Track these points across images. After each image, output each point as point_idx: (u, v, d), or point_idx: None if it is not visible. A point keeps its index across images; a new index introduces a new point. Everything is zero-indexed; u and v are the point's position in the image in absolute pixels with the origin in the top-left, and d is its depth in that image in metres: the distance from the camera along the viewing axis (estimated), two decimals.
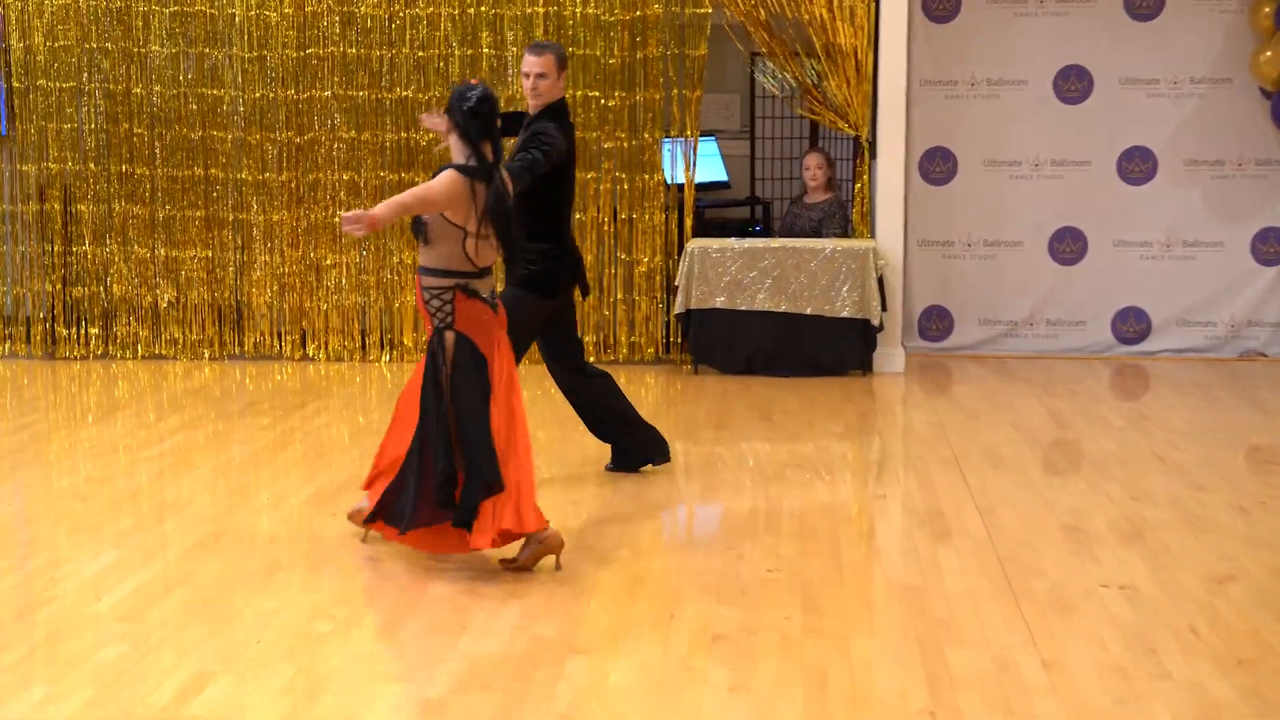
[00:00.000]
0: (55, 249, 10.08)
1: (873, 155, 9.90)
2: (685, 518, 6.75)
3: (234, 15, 9.90)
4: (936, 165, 10.46)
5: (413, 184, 10.04)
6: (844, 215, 10.10)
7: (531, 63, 6.42)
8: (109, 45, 9.92)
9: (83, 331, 10.14)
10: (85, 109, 9.98)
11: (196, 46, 9.94)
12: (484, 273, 5.58)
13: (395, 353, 10.17)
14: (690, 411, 8.67)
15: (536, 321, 6.63)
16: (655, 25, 9.90)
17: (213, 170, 10.05)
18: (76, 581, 5.53)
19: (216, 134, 10.02)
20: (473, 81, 5.62)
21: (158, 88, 9.97)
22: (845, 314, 9.54)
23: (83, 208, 10.04)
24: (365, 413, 8.74)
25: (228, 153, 10.04)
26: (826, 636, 4.99)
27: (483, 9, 9.93)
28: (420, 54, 9.97)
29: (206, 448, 7.68)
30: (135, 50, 9.92)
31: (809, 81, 9.96)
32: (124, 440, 7.86)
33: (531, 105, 6.49)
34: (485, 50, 9.95)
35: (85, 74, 9.95)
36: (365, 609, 5.27)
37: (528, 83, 6.41)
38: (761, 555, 5.87)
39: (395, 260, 10.14)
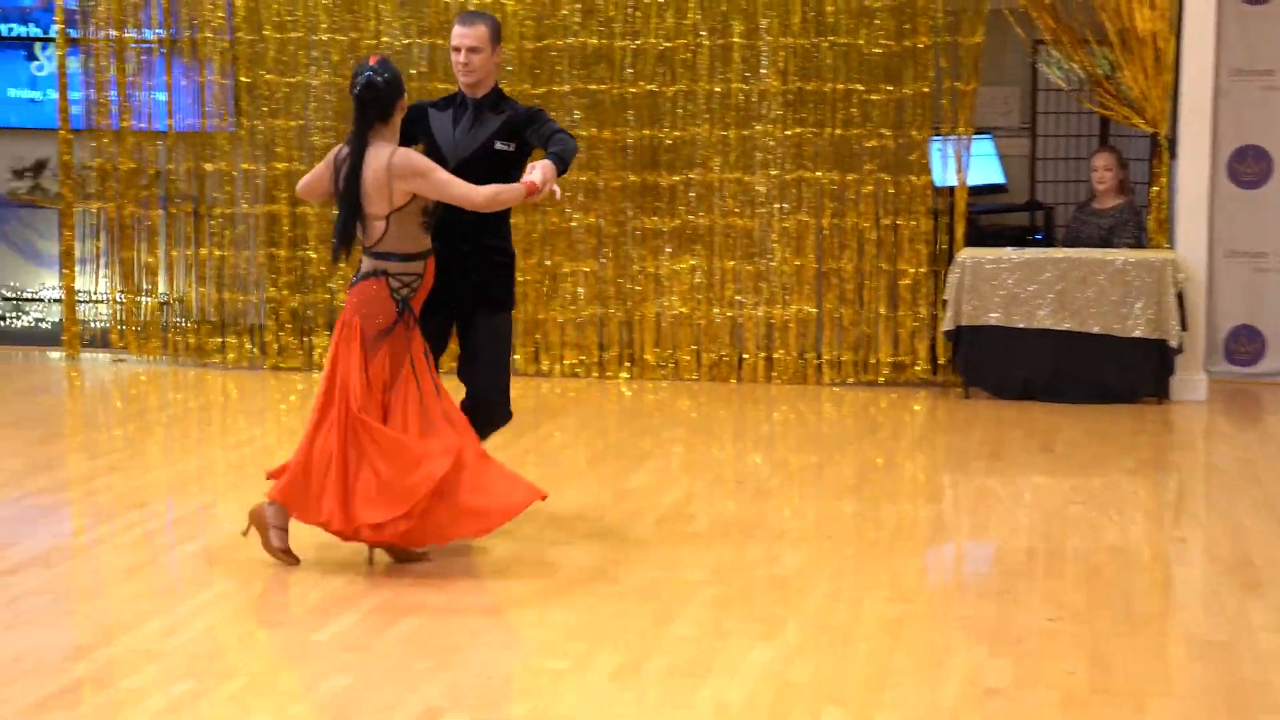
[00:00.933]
0: (281, 253, 10.46)
1: (1172, 155, 9.64)
2: (953, 556, 6.67)
3: (467, 4, 10.16)
4: (1248, 166, 10.13)
5: (656, 186, 10.16)
6: (1138, 223, 9.85)
7: (461, 35, 6.31)
8: (339, 36, 10.27)
9: (306, 340, 10.50)
10: (313, 105, 10.35)
11: (428, 37, 10.22)
12: None
13: (636, 369, 10.28)
14: (960, 440, 8.55)
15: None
16: (925, 11, 9.82)
17: None
18: (302, 607, 5.72)
19: None
20: (371, 60, 5.95)
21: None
22: (1138, 334, 9.31)
23: (308, 209, 10.40)
24: (603, 434, 8.85)
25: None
26: (1116, 696, 4.87)
27: None
28: (665, 45, 10.08)
29: None
30: (365, 42, 10.25)
31: (1100, 73, 9.75)
32: None
33: (463, 83, 6.36)
34: (736, 40, 10.00)
35: (313, 68, 10.32)
36: (601, 646, 5.34)
37: (458, 57, 6.30)
38: (1040, 602, 5.76)
39: (636, 270, 10.25)
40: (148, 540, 6.56)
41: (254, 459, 8.00)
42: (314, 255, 10.42)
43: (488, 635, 5.43)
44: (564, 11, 10.10)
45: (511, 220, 10.05)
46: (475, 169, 6.19)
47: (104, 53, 10.58)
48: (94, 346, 10.87)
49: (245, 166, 10.45)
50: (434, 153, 6.28)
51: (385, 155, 5.89)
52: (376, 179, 5.90)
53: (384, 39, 10.23)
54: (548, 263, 10.32)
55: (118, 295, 10.76)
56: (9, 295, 11.93)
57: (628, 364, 10.33)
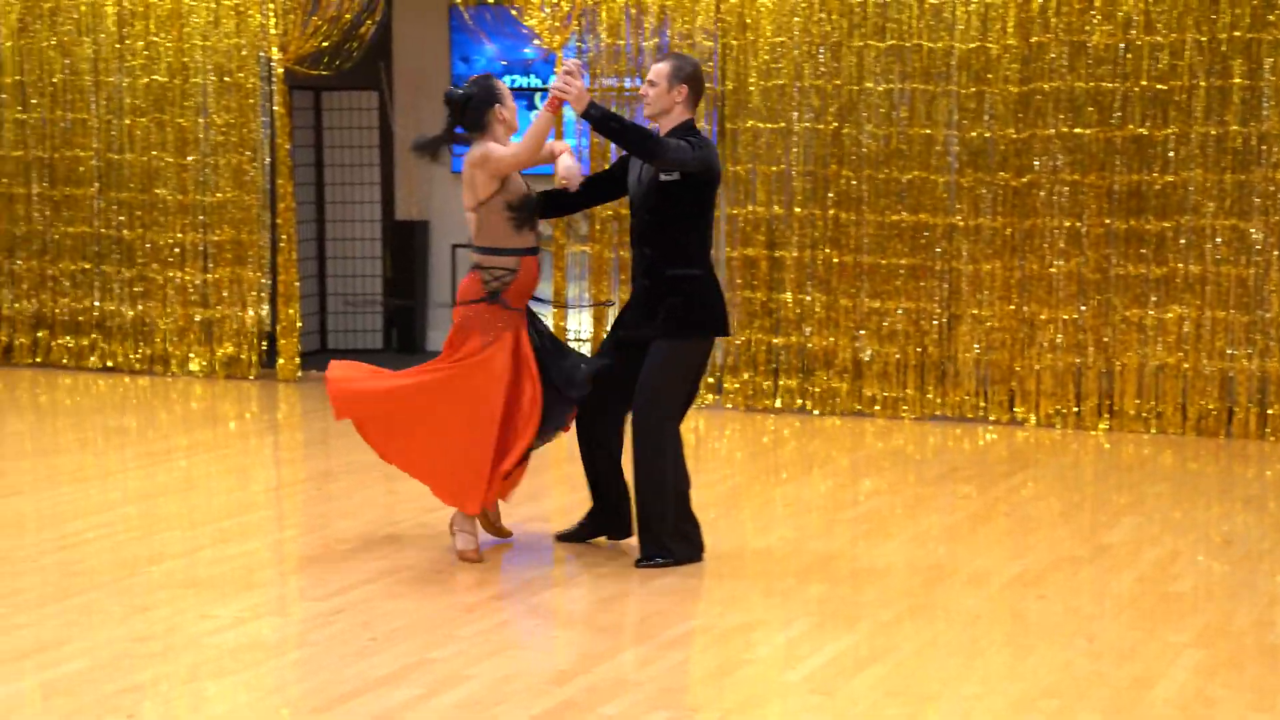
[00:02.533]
0: (758, 296, 10.64)
1: None
2: None
3: (953, 48, 10.10)
4: None
5: (1142, 232, 9.84)
6: None
7: (650, 70, 6.79)
8: (821, 84, 10.39)
9: (780, 383, 10.63)
10: (794, 150, 10.50)
11: (912, 82, 10.22)
12: None
13: (1115, 420, 9.96)
14: None
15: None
16: None
17: (922, 215, 10.28)
18: (770, 647, 5.79)
19: (928, 176, 10.24)
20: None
21: (869, 127, 10.32)
22: None
23: (785, 254, 10.54)
24: (1079, 486, 8.61)
25: (939, 197, 10.24)
26: None
27: (1236, 34, 9.59)
28: (1159, 87, 9.76)
29: (904, 514, 7.84)
30: (847, 88, 10.34)
31: None
32: (819, 500, 8.17)
33: (644, 114, 6.78)
34: (1236, 80, 9.59)
35: (795, 114, 10.47)
36: (1078, 702, 5.18)
37: (641, 89, 6.79)
38: None
39: (1118, 318, 9.95)
40: (624, 574, 6.75)
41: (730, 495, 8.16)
42: (789, 298, 10.55)
43: (959, 684, 5.36)
44: (1051, 55, 9.92)
45: (984, 266, 10.06)
46: (649, 201, 6.63)
47: (603, 102, 10.97)
48: None
49: (730, 211, 10.67)
50: (630, 193, 6.78)
51: (472, 151, 6.64)
52: (464, 175, 6.68)
53: (866, 84, 10.29)
54: (1025, 309, 10.13)
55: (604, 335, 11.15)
56: None
57: (1106, 415, 10.02)
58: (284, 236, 11.48)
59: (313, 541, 7.22)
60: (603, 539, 7.13)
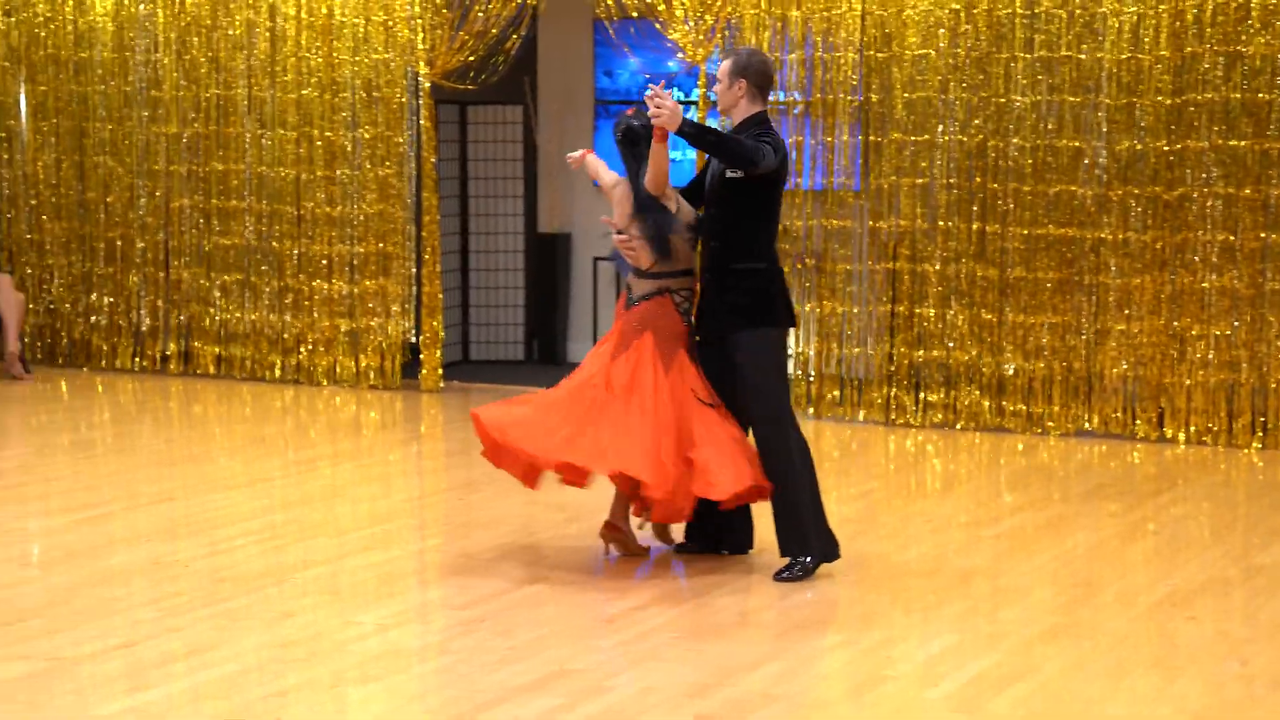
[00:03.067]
0: (900, 310, 10.56)
1: None
2: None
3: (1102, 60, 9.96)
4: None
5: None
6: None
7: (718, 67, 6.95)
8: (967, 95, 10.29)
9: (922, 397, 10.55)
10: (939, 163, 10.41)
11: (1060, 94, 10.08)
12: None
13: (1269, 438, 9.74)
14: None
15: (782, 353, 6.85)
16: None
17: (1069, 229, 10.13)
18: (911, 664, 5.74)
19: (1076, 189, 10.10)
20: (629, 112, 6.95)
21: (1016, 140, 10.21)
22: None
23: (928, 267, 10.45)
24: (1230, 506, 8.44)
25: (1087, 210, 10.09)
26: None
27: None
28: None
29: (1048, 531, 7.73)
30: (995, 100, 10.23)
31: None
32: (960, 516, 8.09)
33: (719, 110, 7.09)
34: None
35: (940, 126, 10.38)
36: None
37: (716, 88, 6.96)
38: None
39: (1273, 333, 9.73)
40: (763, 587, 6.74)
41: (867, 513, 8.12)
42: (931, 312, 10.46)
43: (1104, 706, 5.27)
44: (1205, 66, 9.74)
45: (1133, 281, 9.89)
46: (717, 198, 6.80)
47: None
48: None
49: (873, 224, 10.61)
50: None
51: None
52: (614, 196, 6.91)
53: (1014, 96, 10.17)
54: (1176, 325, 9.94)
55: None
56: None
57: (1260, 433, 9.80)
58: (429, 249, 11.64)
59: (454, 550, 7.29)
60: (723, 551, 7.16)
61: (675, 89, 7.54)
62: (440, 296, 11.71)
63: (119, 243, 12.55)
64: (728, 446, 6.66)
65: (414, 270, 11.78)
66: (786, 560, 6.77)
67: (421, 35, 11.46)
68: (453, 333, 12.81)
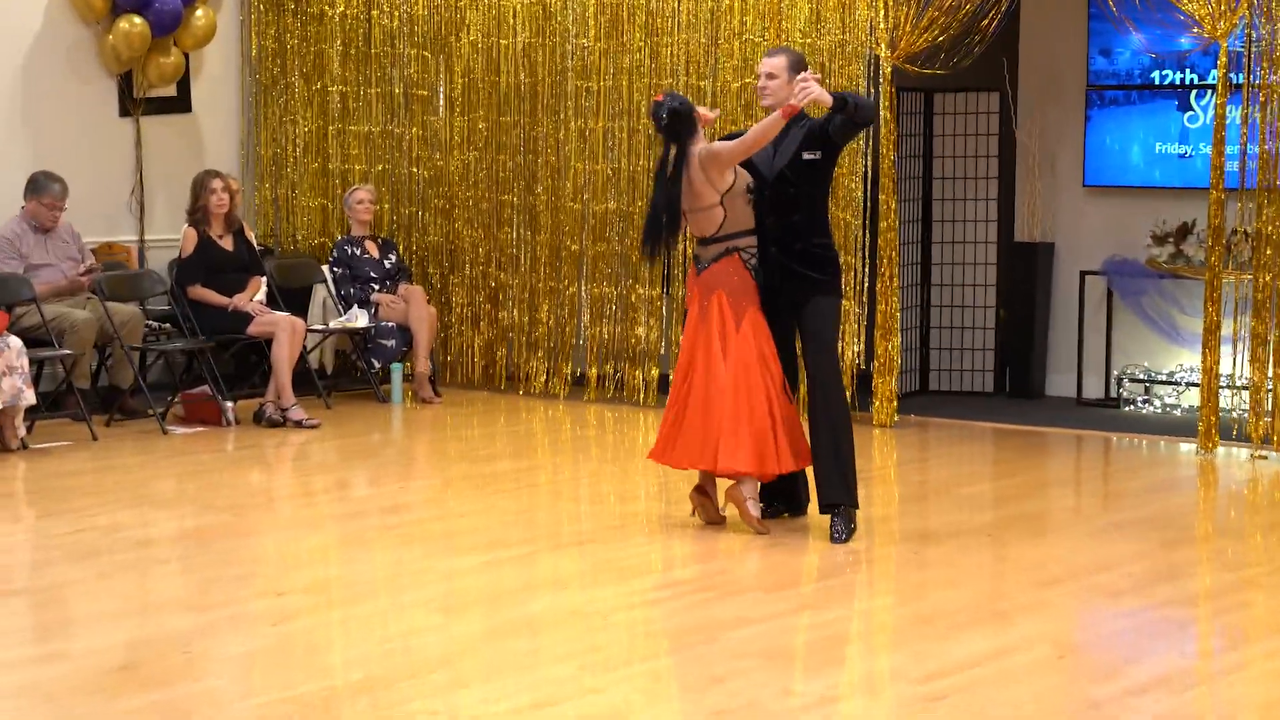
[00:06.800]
0: None
1: None
2: None
3: None
4: None
5: None
6: None
7: (765, 63, 8.49)
8: None
9: None
10: None
11: None
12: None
13: None
14: None
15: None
16: None
17: None
18: None
19: None
20: (659, 97, 8.48)
21: None
22: None
23: None
24: None
25: None
26: None
27: None
28: None
29: None
30: None
31: None
32: None
33: (763, 105, 8.51)
34: None
35: None
36: None
37: (760, 83, 8.47)
38: None
39: None
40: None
41: None
42: None
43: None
44: None
45: None
46: (789, 180, 8.36)
47: (1277, 100, 10.63)
48: (1232, 440, 10.92)
49: None
50: (753, 172, 8.39)
51: (695, 156, 8.31)
52: (698, 175, 8.32)
53: None
54: None
55: (1265, 381, 10.75)
56: (1140, 377, 12.30)
57: None
58: (884, 260, 11.64)
59: (907, 614, 7.30)
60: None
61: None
62: (897, 316, 11.72)
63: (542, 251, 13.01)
64: (766, 425, 8.35)
65: (866, 284, 11.81)
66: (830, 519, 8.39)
67: (884, 13, 11.47)
68: (910, 358, 12.81)
